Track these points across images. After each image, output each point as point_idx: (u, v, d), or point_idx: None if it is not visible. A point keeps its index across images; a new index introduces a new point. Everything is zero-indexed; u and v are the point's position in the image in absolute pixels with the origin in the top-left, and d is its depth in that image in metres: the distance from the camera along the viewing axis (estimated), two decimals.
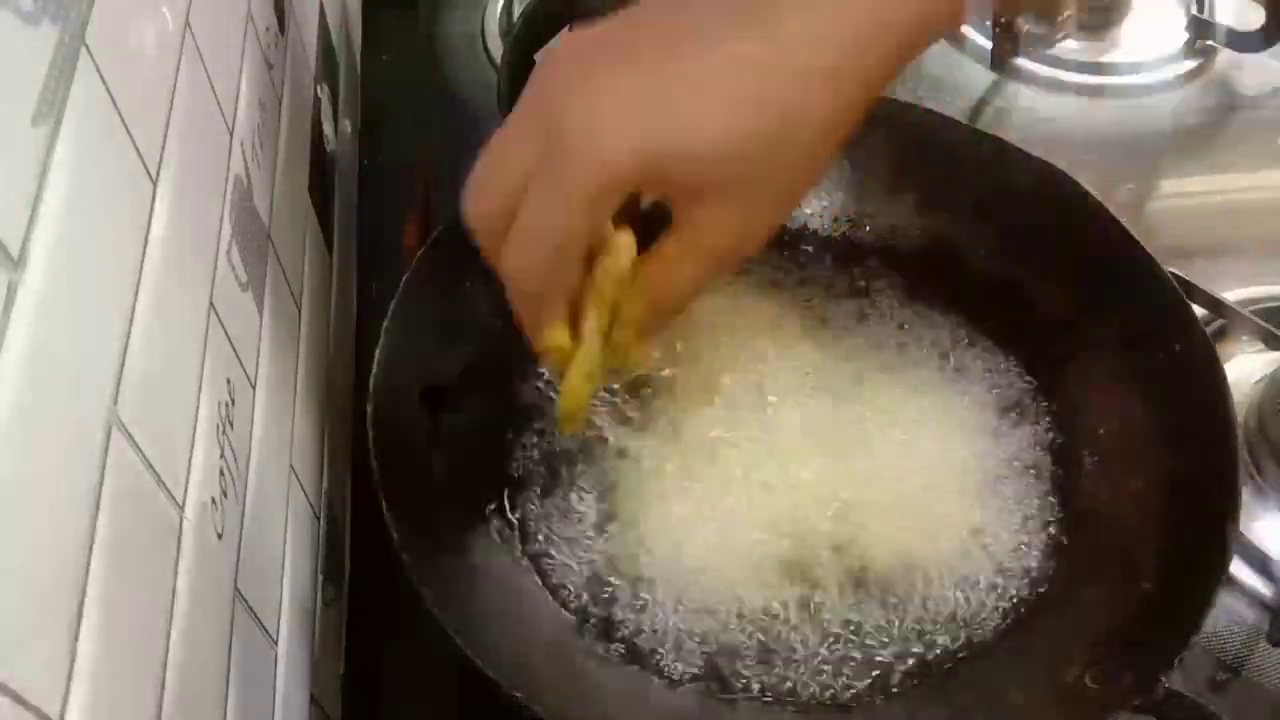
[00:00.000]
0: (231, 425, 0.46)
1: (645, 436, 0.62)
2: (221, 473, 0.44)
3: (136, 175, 0.38)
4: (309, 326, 0.61)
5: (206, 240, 0.45)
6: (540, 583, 0.57)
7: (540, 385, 0.63)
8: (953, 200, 0.69)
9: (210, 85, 0.47)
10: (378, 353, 0.55)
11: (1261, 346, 0.69)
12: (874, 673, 0.55)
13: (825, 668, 0.55)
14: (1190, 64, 0.91)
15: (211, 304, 0.44)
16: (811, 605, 0.56)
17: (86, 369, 0.33)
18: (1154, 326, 0.61)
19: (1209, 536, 0.52)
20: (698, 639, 0.55)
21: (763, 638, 0.55)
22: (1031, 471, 0.62)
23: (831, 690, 0.54)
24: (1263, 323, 0.69)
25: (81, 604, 0.30)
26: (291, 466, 0.55)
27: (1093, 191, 0.64)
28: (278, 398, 0.53)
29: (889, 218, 0.70)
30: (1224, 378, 0.57)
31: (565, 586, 0.57)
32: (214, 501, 0.42)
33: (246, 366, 0.49)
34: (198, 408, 0.42)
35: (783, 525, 0.58)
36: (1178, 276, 0.62)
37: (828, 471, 0.60)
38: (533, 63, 0.74)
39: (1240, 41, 0.90)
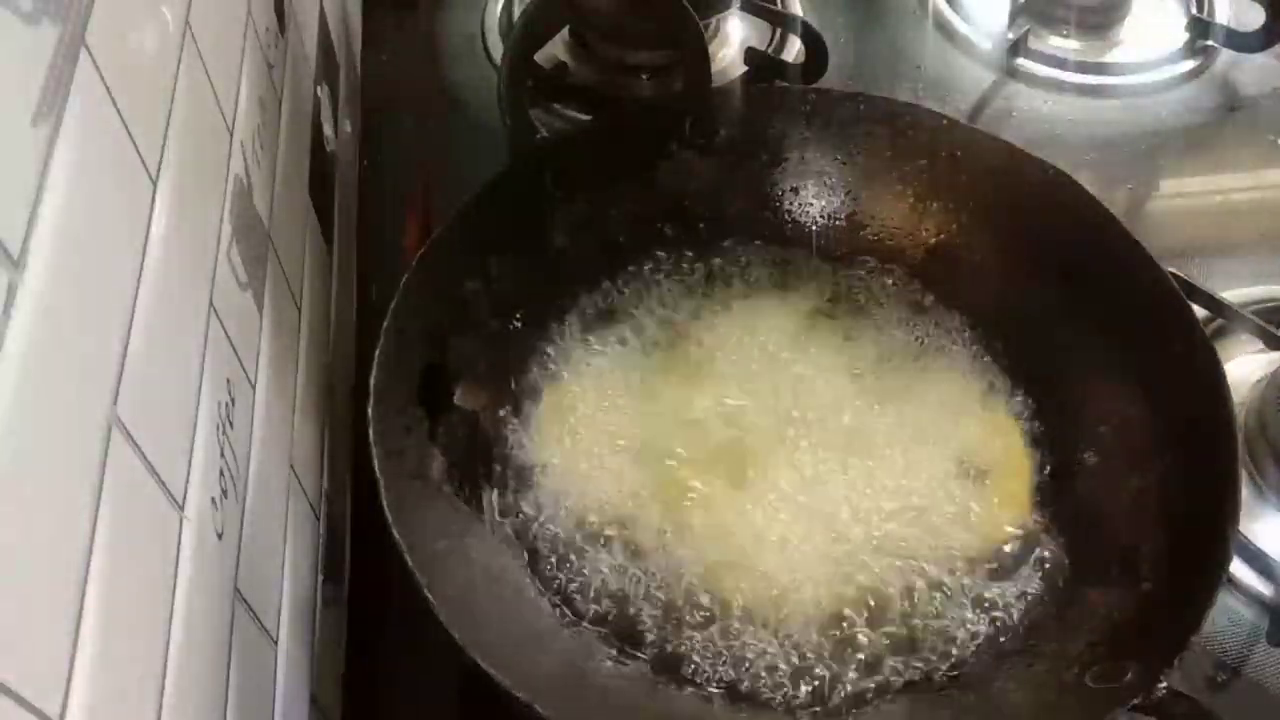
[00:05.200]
0: (231, 425, 0.45)
1: (645, 437, 0.62)
2: (221, 473, 0.44)
3: (136, 175, 0.38)
4: (309, 326, 0.61)
5: (206, 240, 0.45)
6: (540, 582, 0.57)
7: (538, 385, 0.64)
8: (953, 200, 0.69)
9: (210, 85, 0.47)
10: (378, 353, 0.55)
11: (1261, 346, 0.69)
12: (875, 673, 0.55)
13: (827, 669, 0.55)
14: (1190, 64, 0.91)
15: (211, 304, 0.44)
16: (814, 608, 0.56)
17: (86, 369, 0.33)
18: (1154, 326, 0.61)
19: (1209, 536, 0.52)
20: (699, 639, 0.55)
21: (764, 639, 0.55)
22: (1032, 471, 0.62)
23: (832, 691, 0.54)
24: (1263, 323, 0.68)
25: (81, 604, 0.30)
26: (291, 466, 0.55)
27: (1093, 191, 0.64)
28: (278, 398, 0.53)
29: (889, 218, 0.70)
30: (1224, 378, 0.57)
31: (565, 586, 0.57)
32: (214, 501, 0.42)
33: (246, 366, 0.49)
34: (198, 408, 0.42)
35: (782, 528, 0.58)
36: (1178, 276, 0.62)
37: (832, 472, 0.60)
38: (533, 63, 0.74)
39: (1240, 41, 0.90)
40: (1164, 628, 0.51)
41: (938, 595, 0.57)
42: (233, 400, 0.46)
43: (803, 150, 0.71)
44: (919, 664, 0.55)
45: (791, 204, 0.71)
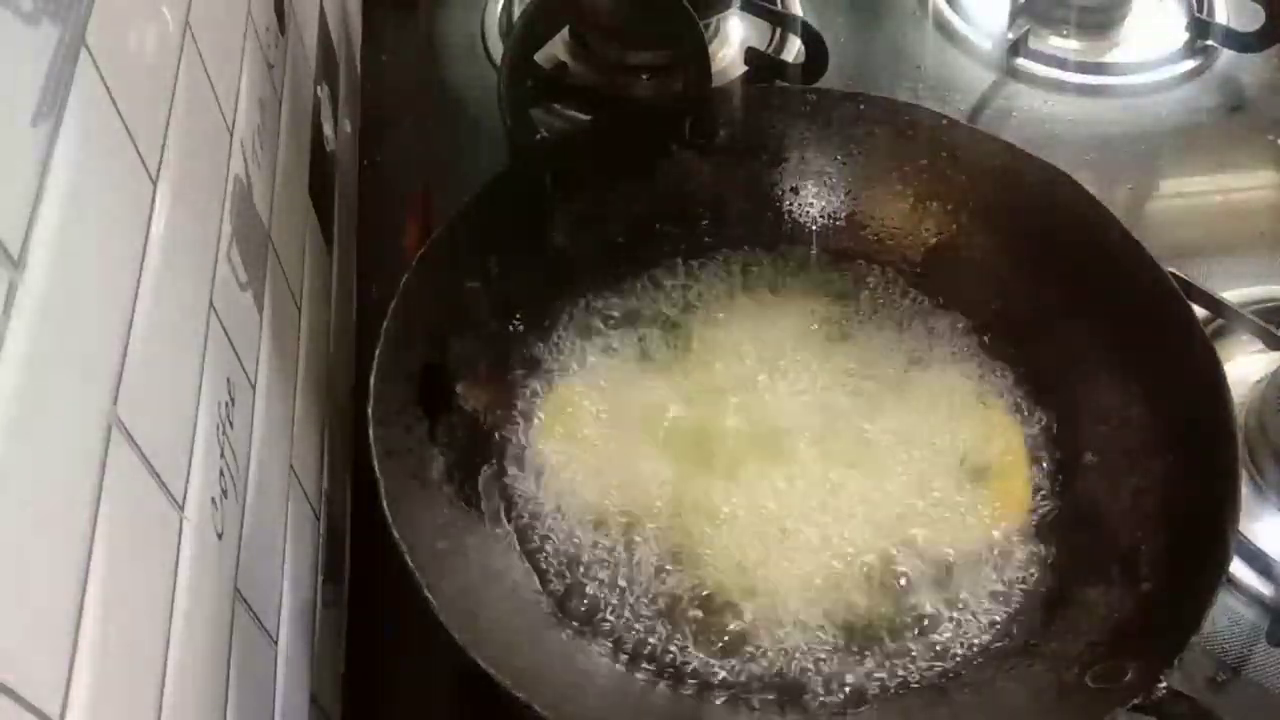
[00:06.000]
0: (231, 425, 0.45)
1: (645, 438, 0.62)
2: (221, 473, 0.44)
3: (136, 175, 0.38)
4: (309, 326, 0.61)
5: (206, 240, 0.45)
6: (540, 582, 0.57)
7: (538, 385, 0.64)
8: (953, 200, 0.69)
9: (210, 85, 0.47)
10: (378, 353, 0.55)
11: (1261, 346, 0.69)
12: (874, 673, 0.55)
13: (826, 668, 0.55)
14: (1190, 64, 0.91)
15: (211, 304, 0.44)
16: (813, 607, 0.56)
17: (86, 369, 0.33)
18: (1154, 326, 0.61)
19: (1209, 536, 0.52)
20: (699, 639, 0.55)
21: (764, 638, 0.55)
22: (1032, 471, 0.62)
23: (832, 690, 0.54)
24: (1263, 323, 0.68)
25: (81, 604, 0.30)
26: (291, 466, 0.55)
27: (1093, 191, 0.64)
28: (278, 398, 0.53)
29: (889, 218, 0.70)
30: (1224, 378, 0.57)
31: (565, 586, 0.57)
32: (214, 501, 0.42)
33: (246, 366, 0.49)
34: (198, 407, 0.42)
35: (781, 527, 0.58)
36: (1178, 276, 0.62)
37: (829, 472, 0.60)
38: (533, 63, 0.74)
39: (1240, 41, 0.90)
40: (1164, 628, 0.51)
41: (937, 595, 0.57)
42: (233, 400, 0.46)
43: (803, 150, 0.71)
44: (919, 664, 0.55)
45: (791, 204, 0.71)
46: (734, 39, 0.89)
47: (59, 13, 0.32)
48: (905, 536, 0.59)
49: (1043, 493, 0.61)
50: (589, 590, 0.56)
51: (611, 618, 0.56)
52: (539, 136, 0.71)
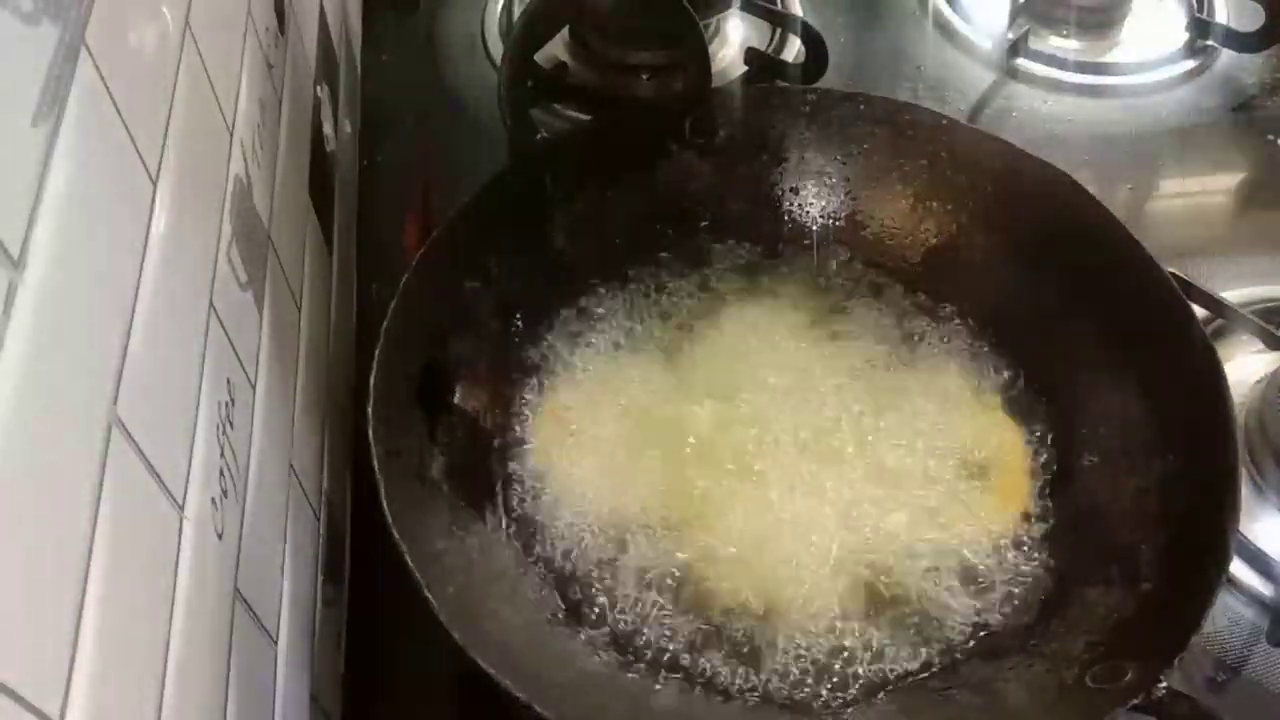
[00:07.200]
0: (231, 425, 0.45)
1: (645, 438, 0.62)
2: (221, 473, 0.44)
3: (136, 175, 0.38)
4: (309, 326, 0.61)
5: (206, 240, 0.45)
6: (540, 581, 0.57)
7: (538, 385, 0.64)
8: (953, 200, 0.69)
9: (210, 85, 0.47)
10: (378, 353, 0.55)
11: (1261, 346, 0.69)
12: (874, 672, 0.55)
13: (826, 667, 0.55)
14: (1190, 64, 0.91)
15: (211, 304, 0.44)
16: (813, 607, 0.56)
17: (86, 369, 0.33)
18: (1154, 326, 0.61)
19: (1209, 536, 0.52)
20: (699, 639, 0.55)
21: (764, 637, 0.55)
22: (1032, 471, 0.62)
23: (832, 690, 0.54)
24: (1263, 323, 0.68)
25: (81, 604, 0.30)
26: (291, 466, 0.55)
27: (1093, 191, 0.64)
28: (278, 398, 0.53)
29: (889, 218, 0.70)
30: (1224, 378, 0.57)
31: (565, 586, 0.57)
32: (214, 501, 0.42)
33: (246, 366, 0.49)
34: (198, 408, 0.42)
35: (781, 526, 0.58)
36: (1178, 276, 0.62)
37: (828, 471, 0.60)
38: (533, 63, 0.74)
39: (1240, 41, 0.90)
40: (1164, 627, 0.51)
41: (937, 595, 0.57)
42: (233, 400, 0.46)
43: (803, 150, 0.71)
44: (918, 663, 0.55)
45: (791, 204, 0.71)
46: (734, 39, 0.89)
47: (59, 13, 0.32)
48: (905, 536, 0.59)
49: (1042, 492, 0.61)
50: (589, 590, 0.56)
51: (612, 617, 0.56)
52: (539, 136, 0.71)
